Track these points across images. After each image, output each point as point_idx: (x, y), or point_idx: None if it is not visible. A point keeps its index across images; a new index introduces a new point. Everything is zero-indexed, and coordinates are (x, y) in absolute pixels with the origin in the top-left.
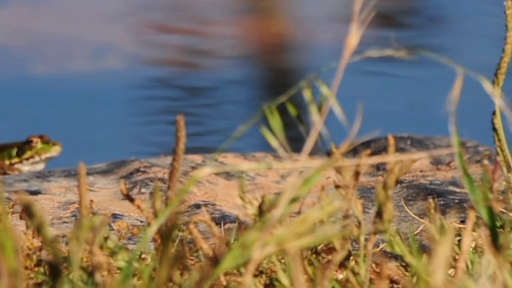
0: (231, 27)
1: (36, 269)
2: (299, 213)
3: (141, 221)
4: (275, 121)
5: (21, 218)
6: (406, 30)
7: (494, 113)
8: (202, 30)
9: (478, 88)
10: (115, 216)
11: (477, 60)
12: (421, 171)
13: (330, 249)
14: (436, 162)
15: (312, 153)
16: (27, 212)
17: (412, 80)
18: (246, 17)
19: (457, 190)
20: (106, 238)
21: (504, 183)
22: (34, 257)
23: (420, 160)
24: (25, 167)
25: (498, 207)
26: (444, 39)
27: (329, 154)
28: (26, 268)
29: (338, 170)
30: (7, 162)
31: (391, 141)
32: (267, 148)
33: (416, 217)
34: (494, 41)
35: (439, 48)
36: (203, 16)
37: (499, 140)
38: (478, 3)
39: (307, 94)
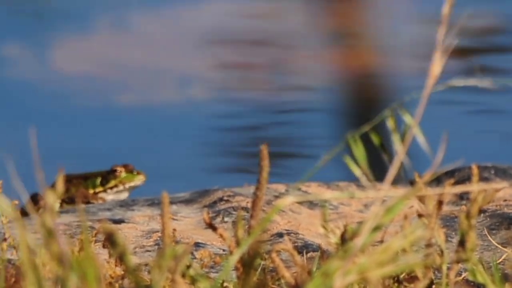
0: (317, 58)
1: None
2: (381, 242)
3: (224, 250)
4: (359, 150)
5: (104, 246)
6: (490, 56)
7: None
8: (288, 61)
9: None
10: (197, 245)
11: None
12: (505, 200)
13: (413, 278)
14: None
15: (395, 182)
16: (110, 240)
17: (497, 109)
18: (332, 47)
19: None
20: (188, 267)
21: None
22: (117, 285)
23: (503, 189)
24: (109, 196)
25: None
26: None
27: (412, 183)
28: None
29: (421, 199)
30: (91, 191)
31: (475, 171)
32: (351, 177)
33: (499, 246)
34: None
35: None
36: (289, 46)
37: None
38: None
39: (390, 123)
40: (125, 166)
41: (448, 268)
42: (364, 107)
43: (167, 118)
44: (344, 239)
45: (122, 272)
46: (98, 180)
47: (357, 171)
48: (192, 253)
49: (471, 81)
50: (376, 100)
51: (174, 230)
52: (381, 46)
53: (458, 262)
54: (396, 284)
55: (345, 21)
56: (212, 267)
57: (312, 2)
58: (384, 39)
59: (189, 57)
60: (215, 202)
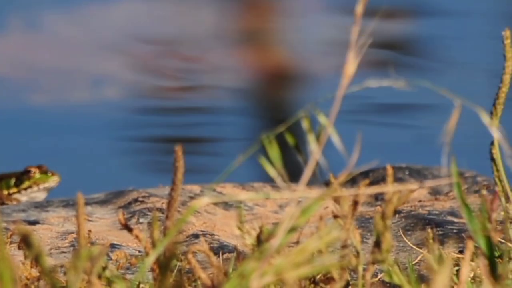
0: (229, 58)
1: None
2: (297, 243)
3: (139, 251)
4: (274, 151)
5: (19, 248)
6: (404, 58)
7: (492, 143)
8: (200, 61)
9: (477, 117)
10: (113, 246)
11: (471, 90)
12: (420, 201)
13: (328, 279)
14: (435, 192)
15: (310, 183)
16: (25, 242)
17: (409, 110)
18: (244, 47)
19: (456, 220)
20: (104, 268)
21: (502, 213)
22: (32, 287)
23: (418, 190)
24: (23, 197)
25: (497, 237)
26: (439, 68)
27: (327, 184)
28: None
29: (337, 200)
30: (5, 192)
31: (390, 171)
32: (266, 178)
33: (415, 247)
34: (487, 72)
35: (435, 76)
36: (201, 47)
37: (497, 171)
38: (473, 32)
39: (305, 124)
40: (39, 167)
41: (364, 269)
42: (278, 107)
43: (81, 119)
44: (259, 240)
45: (38, 274)
46: (12, 181)
47: (272, 172)
48: (107, 255)
49: (386, 82)
50: (290, 100)
51: (90, 231)
52: (294, 45)
53: (374, 263)
54: (312, 285)
55: (256, 20)
56: (128, 269)
57: (223, 2)
58: (296, 38)
59: (102, 57)
60: (130, 203)
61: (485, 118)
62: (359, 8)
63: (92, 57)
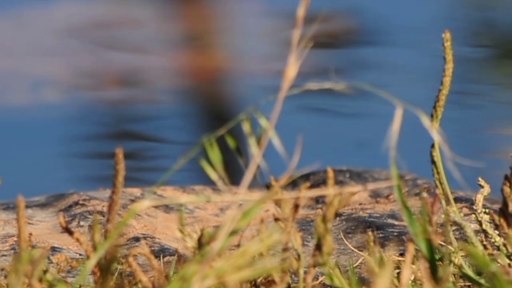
0: (170, 61)
1: None
2: (238, 246)
3: (80, 254)
4: (214, 154)
5: None
6: (345, 61)
7: (433, 146)
8: (140, 63)
9: (416, 120)
10: (54, 249)
11: (411, 93)
12: (360, 204)
13: (270, 282)
14: (375, 195)
15: (251, 186)
16: None
17: (351, 113)
18: (184, 51)
19: (396, 223)
20: (45, 271)
21: (443, 216)
22: None
23: (359, 193)
24: None
25: (437, 240)
26: (380, 72)
27: (268, 187)
28: None
29: (277, 203)
30: None
31: (330, 174)
32: (206, 181)
33: (355, 250)
34: (425, 75)
35: (376, 80)
36: (141, 50)
37: (438, 173)
38: (413, 34)
39: (246, 127)
40: None
41: (305, 272)
42: (219, 110)
43: (20, 122)
44: (201, 243)
45: None
46: None
47: (213, 175)
48: (48, 258)
49: (326, 84)
50: (231, 103)
51: (30, 234)
52: (234, 48)
53: (315, 266)
54: None
55: (197, 23)
56: (69, 272)
57: (163, 5)
58: (236, 41)
59: (40, 60)
60: (70, 206)
61: (425, 121)
62: (301, 11)
63: (31, 60)
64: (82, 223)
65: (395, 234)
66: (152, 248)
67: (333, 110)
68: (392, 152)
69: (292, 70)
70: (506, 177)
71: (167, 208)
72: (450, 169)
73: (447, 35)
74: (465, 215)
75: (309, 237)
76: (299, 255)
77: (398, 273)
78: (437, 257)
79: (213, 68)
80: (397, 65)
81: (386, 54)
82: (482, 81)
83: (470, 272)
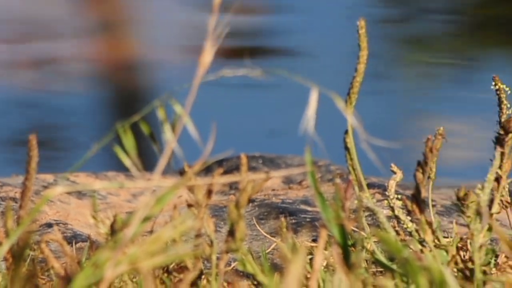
0: (84, 48)
1: None
2: (151, 232)
3: None
4: (128, 140)
5: None
6: (260, 48)
7: (346, 132)
8: (53, 51)
9: (328, 107)
10: None
11: (324, 80)
12: (273, 190)
13: (182, 268)
14: (288, 181)
15: (165, 172)
16: None
17: (266, 98)
18: (97, 37)
19: (309, 208)
20: None
21: (355, 202)
22: None
23: (272, 179)
24: None
25: (350, 226)
26: (295, 56)
27: (181, 173)
28: None
29: (191, 189)
30: None
31: (244, 160)
32: (120, 167)
33: (268, 236)
34: (340, 60)
35: (291, 64)
36: (54, 37)
37: (351, 159)
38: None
39: (160, 113)
40: None
41: (218, 258)
42: (133, 96)
43: None
44: (113, 230)
45: None
46: None
47: (126, 161)
48: None
49: (241, 71)
50: (145, 90)
51: None
52: (149, 35)
53: (227, 252)
54: (165, 275)
55: (110, 12)
56: None
57: None
58: (151, 28)
59: None
60: None
61: (340, 104)
62: None
63: None
64: None
65: (307, 220)
66: (65, 234)
67: (248, 96)
68: (307, 137)
69: (207, 57)
70: (418, 163)
71: (80, 194)
72: (364, 153)
73: (361, 23)
74: (378, 201)
75: (222, 223)
76: (211, 241)
77: (311, 259)
78: (349, 243)
79: (127, 56)
80: (312, 53)
81: (301, 41)
82: (395, 70)
83: (382, 257)
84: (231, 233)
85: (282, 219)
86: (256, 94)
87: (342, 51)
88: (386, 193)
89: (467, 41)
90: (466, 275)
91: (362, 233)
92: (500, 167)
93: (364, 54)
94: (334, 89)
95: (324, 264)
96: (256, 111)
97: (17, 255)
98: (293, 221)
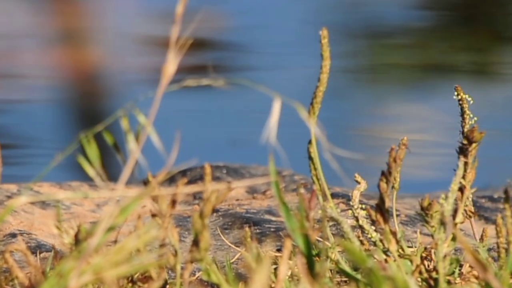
0: (44, 58)
1: None
2: (115, 242)
3: None
4: (92, 150)
5: None
6: (224, 54)
7: (310, 142)
8: (14, 60)
9: (292, 117)
10: None
11: (288, 90)
12: (237, 199)
13: (147, 278)
14: (252, 191)
15: (129, 182)
16: None
17: (230, 109)
18: (59, 47)
19: (273, 218)
20: None
21: (320, 211)
22: None
23: (236, 189)
24: None
25: (314, 236)
26: (256, 68)
27: (145, 183)
28: None
29: (155, 199)
30: None
31: (207, 170)
32: (83, 177)
33: (232, 246)
34: (302, 72)
35: (253, 76)
36: (14, 46)
37: (315, 169)
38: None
39: (124, 123)
40: None
41: (182, 268)
42: (97, 106)
43: None
44: (77, 239)
45: None
46: None
47: (90, 171)
48: None
49: (205, 81)
50: (109, 100)
51: None
52: (112, 45)
53: (192, 261)
54: (130, 284)
55: (72, 20)
56: None
57: (37, 1)
58: (114, 38)
59: None
60: None
61: (303, 114)
62: (179, 8)
63: None
64: None
65: (272, 230)
66: (29, 244)
67: (211, 107)
68: (270, 147)
69: (170, 66)
70: (383, 173)
71: (43, 204)
72: (327, 164)
73: (324, 33)
74: (342, 211)
75: (186, 233)
76: (176, 251)
77: (275, 269)
78: (314, 252)
79: (89, 65)
80: (274, 65)
81: (262, 53)
82: (358, 83)
83: (346, 267)
84: (196, 243)
85: (247, 229)
86: (219, 104)
87: (304, 61)
88: (350, 203)
89: (432, 46)
90: (431, 284)
91: (327, 243)
92: (463, 177)
93: (327, 63)
94: (297, 99)
95: (289, 274)
96: (220, 121)
97: None
98: (258, 231)
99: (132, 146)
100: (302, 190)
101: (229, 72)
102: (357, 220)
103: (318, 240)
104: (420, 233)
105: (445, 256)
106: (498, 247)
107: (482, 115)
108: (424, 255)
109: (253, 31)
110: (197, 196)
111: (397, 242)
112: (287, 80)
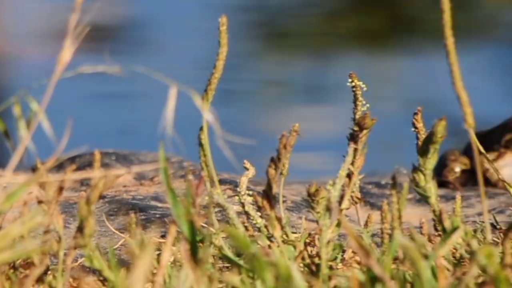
0: None
1: None
2: (0, 228)
3: None
4: None
5: None
6: (118, 45)
7: (201, 128)
8: None
9: (184, 103)
10: None
11: (184, 78)
12: (124, 186)
13: (29, 264)
14: (140, 177)
15: (18, 169)
16: None
17: (123, 96)
18: None
19: (160, 205)
20: None
21: (207, 198)
22: None
23: (124, 175)
24: None
25: (200, 222)
26: (152, 56)
27: (34, 169)
28: None
29: (42, 186)
30: None
31: (97, 157)
32: None
33: (117, 232)
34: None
35: (148, 62)
36: None
37: (205, 156)
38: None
39: (16, 110)
40: None
41: (65, 254)
42: None
43: None
44: None
45: None
46: None
47: None
48: None
49: (100, 68)
50: (1, 86)
51: None
52: (6, 30)
53: (75, 248)
54: (12, 270)
55: None
56: None
57: None
58: (9, 23)
59: None
60: None
61: (197, 100)
62: None
63: None
64: None
65: (157, 216)
66: None
67: (103, 93)
68: (164, 134)
69: (66, 54)
70: (272, 159)
71: None
72: (217, 150)
73: (223, 20)
74: (229, 197)
75: (71, 219)
76: (60, 237)
77: (159, 255)
78: (198, 238)
79: None
80: (170, 50)
81: (159, 39)
82: (252, 69)
83: (229, 253)
84: (80, 229)
85: (132, 215)
86: (113, 90)
87: (201, 48)
88: (238, 189)
89: (325, 37)
90: (313, 270)
91: (212, 229)
92: (352, 163)
93: (223, 51)
94: (190, 85)
95: (172, 259)
96: (110, 108)
97: None
98: (143, 217)
99: (23, 133)
100: (190, 176)
101: (125, 58)
102: (243, 206)
103: (203, 226)
104: (306, 219)
105: (328, 242)
106: (382, 232)
107: (373, 101)
108: (308, 241)
109: (150, 18)
110: (84, 182)
111: (282, 228)
112: (182, 65)
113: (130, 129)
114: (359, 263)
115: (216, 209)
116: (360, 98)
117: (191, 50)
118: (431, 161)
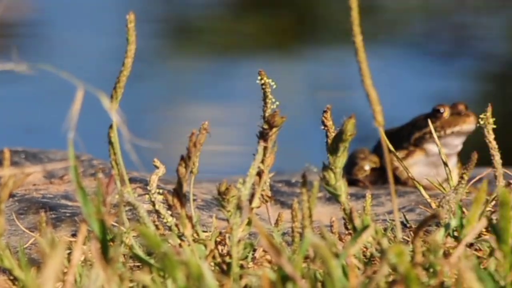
0: None
1: None
2: None
3: None
4: None
5: None
6: (24, 42)
7: (111, 126)
8: None
9: (93, 102)
10: None
11: (91, 74)
12: (34, 184)
13: None
14: (50, 176)
15: None
16: None
17: (32, 94)
18: None
19: (70, 203)
20: None
21: (117, 196)
22: None
23: (33, 174)
24: None
25: (110, 221)
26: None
27: None
28: None
29: None
30: None
31: (7, 155)
32: None
33: (27, 231)
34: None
35: (56, 61)
36: None
37: (115, 154)
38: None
39: None
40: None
41: None
42: None
43: None
44: None
45: None
46: None
47: None
48: None
49: (7, 66)
50: None
51: None
52: None
53: None
54: None
55: None
56: None
57: None
58: None
59: None
60: None
61: (105, 101)
62: None
63: None
64: None
65: (68, 214)
66: None
67: (13, 92)
68: (70, 133)
69: None
70: (182, 158)
71: None
72: (127, 151)
73: (131, 17)
74: (139, 195)
75: None
76: None
77: (70, 254)
78: (109, 237)
79: None
80: (77, 49)
81: (66, 36)
82: (159, 64)
83: (140, 252)
84: None
85: (42, 214)
86: (21, 89)
87: (108, 46)
88: (148, 187)
89: (234, 33)
90: (223, 269)
91: (122, 228)
92: (262, 161)
93: (132, 48)
94: (98, 83)
95: (83, 258)
96: (18, 106)
97: None
98: (53, 216)
99: None
100: (100, 175)
101: (33, 57)
102: (154, 205)
103: (113, 225)
104: (216, 217)
105: (239, 241)
106: (292, 231)
107: (284, 98)
108: (218, 239)
109: (57, 16)
110: None
111: (193, 226)
112: (90, 63)
113: (38, 128)
114: (270, 262)
115: (127, 208)
116: (270, 96)
117: (99, 45)
118: (341, 159)
